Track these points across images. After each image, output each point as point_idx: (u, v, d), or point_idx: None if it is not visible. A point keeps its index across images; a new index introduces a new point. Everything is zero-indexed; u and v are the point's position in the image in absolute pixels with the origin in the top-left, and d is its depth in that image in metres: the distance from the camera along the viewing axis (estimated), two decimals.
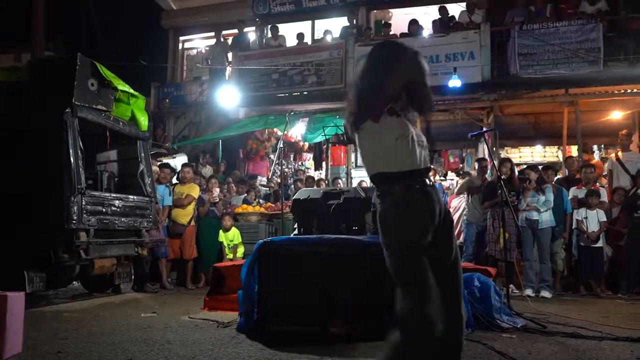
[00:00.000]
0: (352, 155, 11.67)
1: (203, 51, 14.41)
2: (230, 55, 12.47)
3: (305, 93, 11.25)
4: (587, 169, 7.77)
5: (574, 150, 10.45)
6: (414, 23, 10.91)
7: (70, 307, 5.56)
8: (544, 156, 11.64)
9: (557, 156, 11.17)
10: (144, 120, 6.75)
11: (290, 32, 12.49)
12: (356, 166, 11.56)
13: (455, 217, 8.86)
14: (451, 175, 11.66)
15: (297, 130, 12.17)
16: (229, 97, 11.23)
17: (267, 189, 11.21)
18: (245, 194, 9.37)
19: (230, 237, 7.83)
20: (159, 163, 8.63)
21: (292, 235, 5.25)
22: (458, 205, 8.83)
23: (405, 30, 10.99)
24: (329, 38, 11.93)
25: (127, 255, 6.42)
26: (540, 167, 7.74)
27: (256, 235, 7.89)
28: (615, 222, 7.49)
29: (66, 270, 5.71)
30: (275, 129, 12.22)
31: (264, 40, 12.79)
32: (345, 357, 3.43)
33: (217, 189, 8.54)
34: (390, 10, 12.69)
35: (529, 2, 10.50)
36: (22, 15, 11.25)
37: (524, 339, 3.99)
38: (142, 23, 15.74)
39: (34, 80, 5.85)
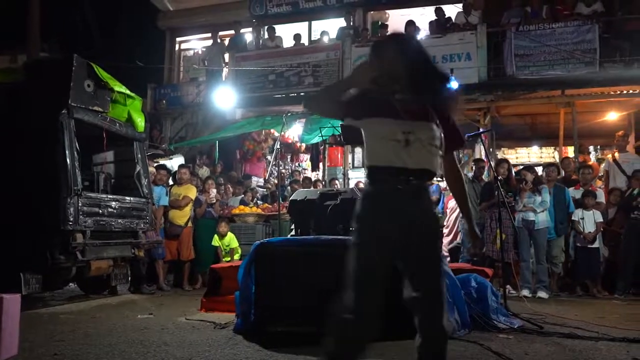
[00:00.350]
0: (349, 156, 11.68)
1: (200, 52, 14.41)
2: (227, 56, 12.46)
3: (302, 94, 11.25)
4: (586, 170, 7.79)
5: (570, 151, 10.48)
6: (410, 24, 10.91)
7: (67, 309, 5.54)
8: (541, 157, 11.68)
9: (554, 157, 11.20)
10: (140, 122, 6.74)
11: (287, 33, 12.50)
12: (353, 167, 11.57)
13: (453, 218, 8.87)
14: None
15: (294, 131, 12.16)
16: (225, 98, 11.23)
17: (264, 190, 11.21)
18: (242, 195, 9.36)
19: (227, 242, 7.80)
20: (155, 164, 8.61)
21: (289, 236, 5.25)
22: (455, 206, 8.81)
23: (402, 31, 10.99)
24: (325, 39, 11.93)
25: (124, 257, 6.39)
26: (541, 165, 7.78)
27: (253, 236, 7.88)
28: (612, 222, 7.51)
29: (62, 271, 5.67)
30: (272, 130, 12.21)
31: (260, 41, 12.80)
32: None
33: (214, 190, 8.52)
34: (387, 11, 12.72)
35: (525, 3, 10.53)
36: (18, 16, 11.20)
37: (520, 339, 4.00)
38: (139, 24, 15.70)
39: (30, 82, 5.83)
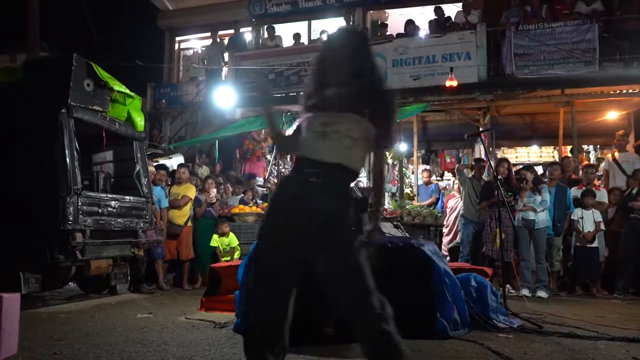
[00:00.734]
0: None
1: (199, 51, 14.39)
2: (226, 55, 12.45)
3: (301, 93, 11.22)
4: (589, 169, 7.79)
5: (570, 151, 10.48)
6: (410, 23, 10.92)
7: (66, 308, 5.54)
8: (540, 156, 11.68)
9: (553, 156, 11.21)
10: (140, 121, 6.73)
11: (286, 32, 12.49)
12: None
13: (452, 217, 8.88)
14: (448, 175, 11.70)
15: None
16: (225, 98, 11.21)
17: (264, 189, 11.20)
18: (242, 195, 9.36)
19: (227, 241, 7.80)
20: (155, 164, 8.60)
21: None
22: (455, 205, 8.83)
23: (402, 30, 10.99)
24: (325, 38, 11.90)
25: (124, 256, 6.39)
26: (541, 164, 7.79)
27: (253, 235, 7.87)
28: (612, 222, 7.51)
29: (62, 271, 5.67)
30: None
31: (260, 40, 12.78)
32: (341, 358, 3.43)
33: (214, 190, 8.52)
34: (386, 10, 12.71)
35: (524, 2, 10.52)
36: (17, 16, 11.19)
37: (520, 339, 4.00)
38: (138, 23, 15.72)
39: (29, 81, 5.81)
